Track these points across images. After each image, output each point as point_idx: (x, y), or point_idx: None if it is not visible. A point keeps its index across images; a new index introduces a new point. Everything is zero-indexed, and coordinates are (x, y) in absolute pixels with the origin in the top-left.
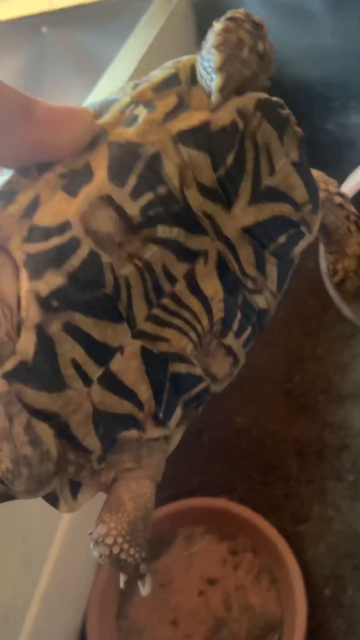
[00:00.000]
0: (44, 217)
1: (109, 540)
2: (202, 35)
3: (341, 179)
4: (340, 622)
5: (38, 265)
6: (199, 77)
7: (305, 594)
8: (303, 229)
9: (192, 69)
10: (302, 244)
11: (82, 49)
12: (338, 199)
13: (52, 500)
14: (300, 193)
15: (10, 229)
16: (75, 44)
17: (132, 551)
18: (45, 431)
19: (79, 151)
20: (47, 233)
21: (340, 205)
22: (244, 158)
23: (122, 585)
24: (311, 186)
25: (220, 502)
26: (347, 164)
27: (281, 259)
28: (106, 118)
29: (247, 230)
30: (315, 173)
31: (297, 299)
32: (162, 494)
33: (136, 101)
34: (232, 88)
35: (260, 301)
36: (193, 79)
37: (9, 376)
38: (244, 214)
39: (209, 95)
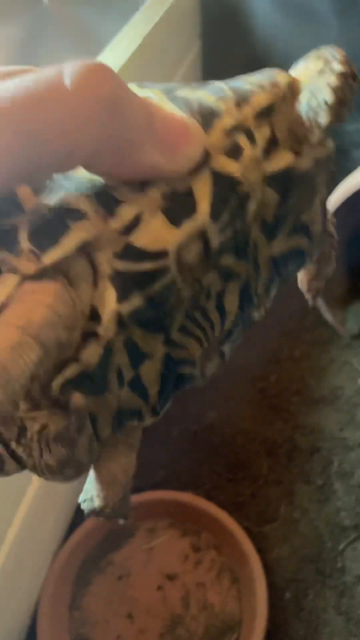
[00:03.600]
0: (142, 239)
1: (107, 510)
2: (207, 18)
3: (335, 183)
4: (299, 626)
5: (126, 286)
6: (303, 107)
7: (267, 595)
8: (308, 259)
9: (284, 97)
10: (302, 269)
11: (83, 25)
12: (331, 228)
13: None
14: (317, 227)
15: (106, 243)
16: (76, 19)
17: (122, 510)
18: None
19: (183, 171)
20: (141, 255)
21: (331, 234)
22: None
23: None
24: (326, 222)
25: (186, 497)
26: (341, 171)
27: (284, 281)
28: (210, 138)
29: (273, 259)
30: None
31: (277, 300)
32: None
33: (238, 126)
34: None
35: (257, 315)
36: (282, 108)
37: (68, 382)
38: (277, 244)
39: (297, 123)
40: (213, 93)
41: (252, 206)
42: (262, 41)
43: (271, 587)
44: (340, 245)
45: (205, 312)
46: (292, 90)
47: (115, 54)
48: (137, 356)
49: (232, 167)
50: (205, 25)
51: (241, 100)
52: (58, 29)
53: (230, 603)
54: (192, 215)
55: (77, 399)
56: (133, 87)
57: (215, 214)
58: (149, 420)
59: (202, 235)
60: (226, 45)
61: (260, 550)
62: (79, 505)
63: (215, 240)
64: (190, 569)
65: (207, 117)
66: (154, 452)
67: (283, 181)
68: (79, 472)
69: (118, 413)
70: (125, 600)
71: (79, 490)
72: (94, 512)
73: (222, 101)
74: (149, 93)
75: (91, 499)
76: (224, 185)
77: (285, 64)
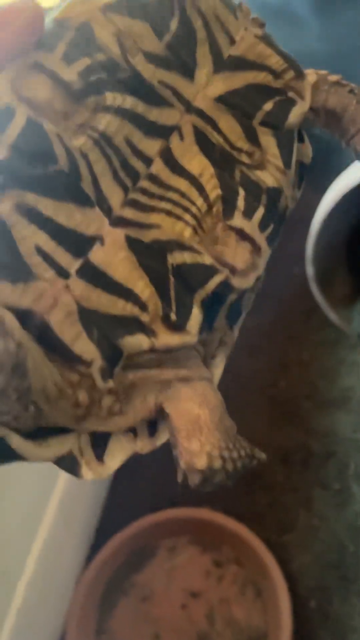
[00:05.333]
0: None
1: (217, 464)
2: None
3: (330, 182)
4: (326, 635)
5: None
6: None
7: (291, 606)
8: (291, 94)
9: None
10: (295, 112)
11: None
12: (333, 77)
13: (69, 465)
14: (274, 60)
15: None
16: None
17: (242, 452)
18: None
19: (27, 47)
20: None
21: (338, 83)
22: (192, 26)
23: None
24: (286, 55)
25: (204, 512)
26: (336, 167)
27: (276, 128)
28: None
29: (221, 100)
30: None
31: (282, 304)
32: (143, 505)
33: None
34: None
35: (267, 178)
36: None
37: None
38: (211, 83)
39: None
40: None
41: (102, 34)
42: None
43: (295, 597)
44: (339, 245)
45: (156, 179)
46: None
47: None
48: (64, 235)
49: (56, 13)
50: None
51: None
52: None
53: (255, 617)
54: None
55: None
56: None
57: (42, 47)
58: (169, 338)
59: (35, 66)
60: None
61: (281, 561)
62: (99, 528)
63: (67, 72)
64: (213, 584)
65: None
66: (168, 469)
67: (129, 6)
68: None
69: (89, 316)
70: (150, 620)
71: (98, 513)
72: (201, 481)
73: None
74: None
75: (188, 464)
76: (50, 27)
77: None
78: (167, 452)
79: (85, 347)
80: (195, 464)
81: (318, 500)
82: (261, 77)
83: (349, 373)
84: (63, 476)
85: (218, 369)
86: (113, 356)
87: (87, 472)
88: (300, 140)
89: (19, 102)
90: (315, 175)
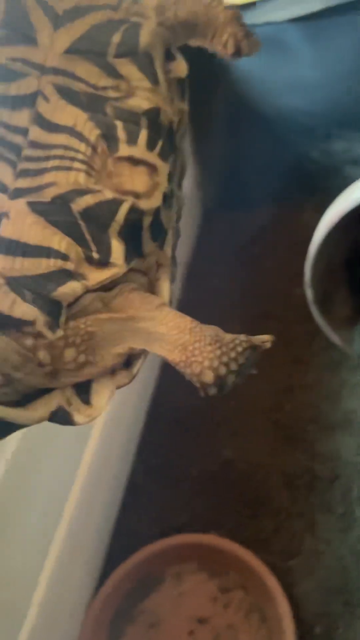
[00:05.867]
0: None
1: (222, 371)
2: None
3: (328, 203)
4: None
5: None
6: None
7: (296, 632)
8: (135, 19)
9: None
10: (144, 32)
11: None
12: None
13: (63, 418)
14: None
15: None
16: None
17: (239, 348)
18: None
19: None
20: None
21: None
22: None
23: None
24: None
25: (210, 538)
26: (333, 189)
27: (132, 54)
28: None
29: (70, 51)
30: None
31: (284, 327)
32: (149, 531)
33: None
34: None
35: (140, 102)
36: None
37: None
38: (56, 40)
39: None
40: None
41: None
42: (238, 76)
43: (300, 622)
44: (339, 267)
45: (36, 144)
46: None
47: None
48: None
49: None
50: None
51: None
52: None
53: None
54: None
55: None
56: None
57: None
58: (98, 275)
59: None
60: (203, 84)
61: (286, 586)
62: (107, 556)
63: None
64: (220, 611)
65: None
66: (174, 495)
67: None
68: None
69: (18, 283)
70: None
71: (106, 540)
72: (218, 390)
73: None
74: None
75: (200, 383)
76: None
77: (263, 97)
78: (169, 478)
79: (23, 309)
80: (205, 381)
81: (322, 524)
82: (100, 16)
83: (351, 395)
84: (70, 504)
85: (164, 288)
86: (53, 309)
87: (79, 417)
88: (171, 58)
89: None
90: (315, 197)
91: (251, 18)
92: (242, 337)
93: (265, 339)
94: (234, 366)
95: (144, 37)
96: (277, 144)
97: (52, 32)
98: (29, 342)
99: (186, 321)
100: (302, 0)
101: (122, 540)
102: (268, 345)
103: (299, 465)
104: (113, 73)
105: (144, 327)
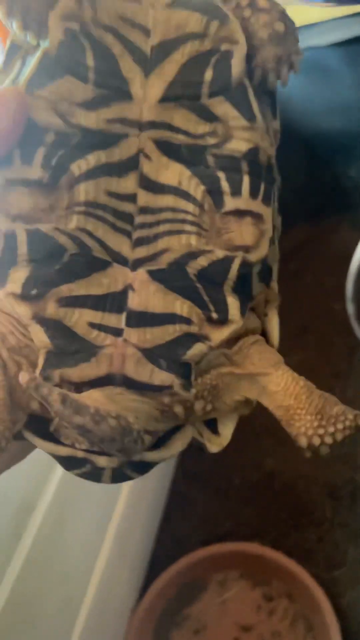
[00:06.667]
0: None
1: (316, 441)
2: None
3: None
4: None
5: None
6: None
7: None
8: (225, 46)
9: None
10: (236, 62)
11: None
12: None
13: (197, 448)
14: (193, 21)
15: None
16: None
17: (339, 425)
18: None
19: (15, 131)
20: None
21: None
22: (105, 47)
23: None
24: (202, 5)
25: (254, 547)
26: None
27: (225, 91)
28: None
29: (164, 99)
30: None
31: (324, 341)
32: (193, 539)
33: None
34: None
35: (238, 145)
36: None
37: (46, 369)
38: (149, 89)
39: None
40: None
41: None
42: (279, 98)
43: (346, 632)
44: None
45: (146, 209)
46: None
47: None
48: (103, 302)
49: None
50: None
51: None
52: None
53: None
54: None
55: None
56: None
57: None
58: (219, 334)
59: (12, 182)
60: None
61: (332, 596)
62: (152, 561)
63: (34, 172)
64: (264, 619)
65: None
66: (217, 504)
67: None
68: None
69: (152, 353)
70: None
71: (151, 547)
72: (312, 453)
73: None
74: None
75: (298, 443)
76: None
77: (303, 118)
78: (213, 488)
79: (161, 377)
80: (300, 444)
81: None
82: (189, 49)
83: None
84: (117, 512)
85: (273, 322)
86: (185, 371)
87: (211, 447)
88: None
89: (13, 222)
90: (352, 213)
91: None
92: (350, 415)
93: None
94: (329, 440)
95: (236, 67)
96: (315, 162)
97: (143, 80)
98: (166, 400)
99: (296, 385)
100: (342, 26)
101: (165, 548)
102: None
103: (341, 476)
104: (209, 117)
105: (259, 381)
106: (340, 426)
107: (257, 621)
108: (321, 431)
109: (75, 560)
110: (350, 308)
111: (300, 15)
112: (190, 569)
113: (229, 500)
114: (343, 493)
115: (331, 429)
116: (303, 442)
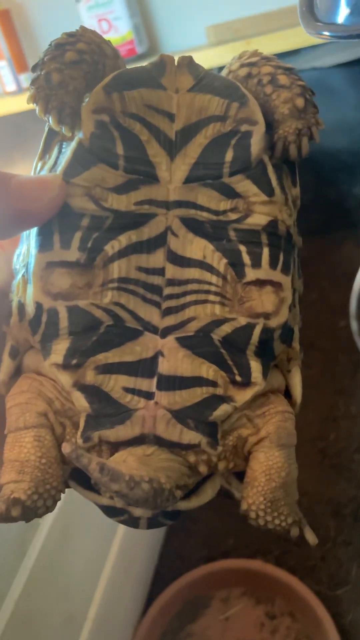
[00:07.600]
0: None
1: (252, 515)
2: None
3: None
4: None
5: (44, 345)
6: None
7: None
8: (244, 127)
9: None
10: (255, 141)
11: None
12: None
13: (225, 495)
14: (214, 105)
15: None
16: None
17: (276, 521)
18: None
19: (54, 213)
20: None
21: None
22: (133, 134)
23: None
24: (223, 89)
25: (257, 564)
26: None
27: (245, 169)
28: None
29: (189, 180)
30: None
31: (328, 358)
32: (197, 556)
33: None
34: None
35: (258, 220)
36: None
37: (86, 431)
38: (174, 172)
39: None
40: None
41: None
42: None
43: None
44: None
45: (174, 281)
46: None
47: None
48: (136, 368)
49: None
50: None
51: None
52: None
53: None
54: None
55: None
56: None
57: (64, 243)
58: (243, 395)
59: (50, 264)
60: None
61: (334, 615)
62: (155, 578)
63: (72, 254)
64: (267, 637)
65: None
66: (221, 521)
67: None
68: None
69: (181, 414)
70: None
71: (154, 564)
72: (248, 520)
73: None
74: None
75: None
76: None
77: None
78: (217, 504)
79: (189, 436)
80: (241, 505)
81: None
82: (211, 131)
83: None
84: (121, 529)
85: (296, 378)
86: (211, 430)
87: (238, 494)
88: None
89: (55, 300)
90: (355, 231)
91: (296, 64)
92: (290, 519)
93: (311, 540)
94: (261, 522)
95: (255, 146)
96: (320, 181)
97: (169, 163)
98: (192, 458)
99: (278, 473)
100: (346, 47)
101: (169, 564)
102: (311, 542)
103: (345, 495)
104: (231, 194)
105: (261, 442)
106: (277, 521)
107: (260, 639)
108: (261, 513)
109: (79, 576)
110: (354, 325)
111: (305, 35)
112: (193, 586)
113: (232, 517)
114: (347, 511)
115: (269, 518)
116: (244, 506)
